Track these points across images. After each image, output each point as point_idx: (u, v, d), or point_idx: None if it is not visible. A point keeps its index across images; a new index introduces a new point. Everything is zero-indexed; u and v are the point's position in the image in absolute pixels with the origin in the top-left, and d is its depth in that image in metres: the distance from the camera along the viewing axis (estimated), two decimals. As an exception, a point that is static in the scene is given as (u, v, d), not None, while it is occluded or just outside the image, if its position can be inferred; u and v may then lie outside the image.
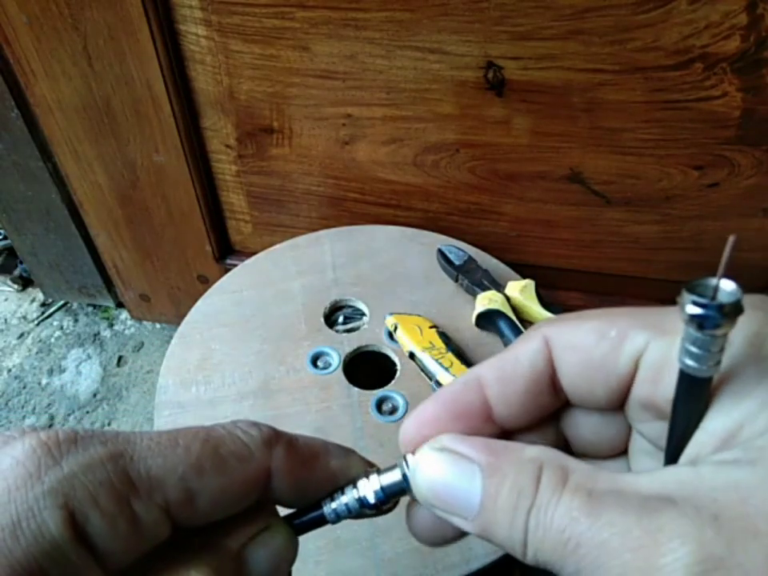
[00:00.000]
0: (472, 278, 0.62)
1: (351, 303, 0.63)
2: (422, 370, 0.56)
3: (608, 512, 0.16)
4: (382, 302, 0.62)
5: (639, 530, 0.15)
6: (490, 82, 0.59)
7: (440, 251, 0.64)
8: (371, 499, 0.22)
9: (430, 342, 0.56)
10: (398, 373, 0.57)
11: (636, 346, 0.19)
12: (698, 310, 0.16)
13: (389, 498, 0.22)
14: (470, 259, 0.64)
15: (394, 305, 0.61)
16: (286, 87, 0.64)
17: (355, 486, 0.22)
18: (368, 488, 0.22)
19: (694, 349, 0.16)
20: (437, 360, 0.54)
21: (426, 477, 0.20)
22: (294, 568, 0.23)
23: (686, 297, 0.16)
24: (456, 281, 0.63)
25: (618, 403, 0.20)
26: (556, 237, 0.72)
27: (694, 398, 0.17)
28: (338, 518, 0.22)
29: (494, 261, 0.66)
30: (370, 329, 0.60)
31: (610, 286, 0.77)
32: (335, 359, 0.57)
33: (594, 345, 0.20)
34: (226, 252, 0.84)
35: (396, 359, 0.58)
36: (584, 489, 0.17)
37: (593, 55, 0.55)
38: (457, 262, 0.63)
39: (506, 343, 0.58)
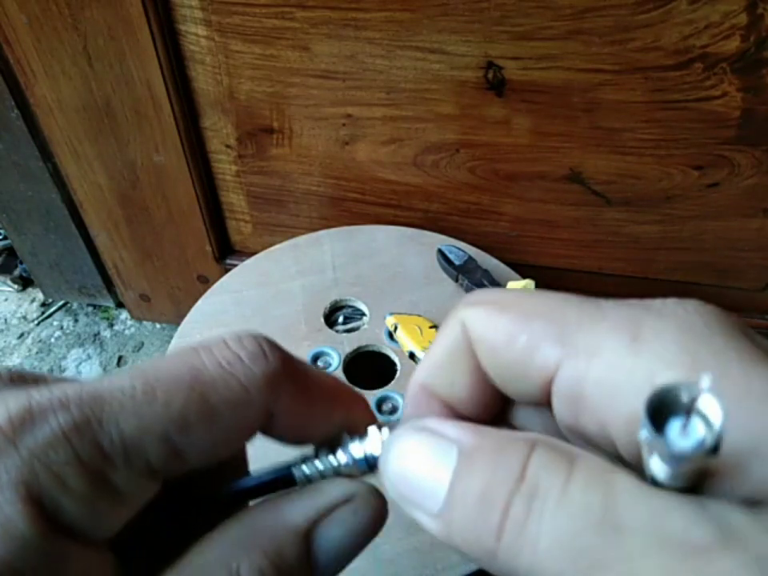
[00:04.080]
0: (472, 278, 0.62)
1: (351, 303, 0.63)
2: (422, 370, 0.56)
3: (637, 536, 0.12)
4: (382, 302, 0.62)
5: (687, 572, 0.11)
6: (490, 82, 0.59)
7: (440, 251, 0.64)
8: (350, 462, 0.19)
9: (430, 342, 0.56)
10: (398, 373, 0.57)
11: (547, 364, 0.16)
12: (654, 450, 0.12)
13: (372, 469, 0.19)
14: (470, 259, 0.64)
15: (394, 305, 0.61)
16: (286, 87, 0.64)
17: (334, 451, 0.19)
18: (348, 454, 0.19)
19: (666, 472, 0.13)
20: (437, 360, 0.54)
21: (397, 460, 0.16)
22: None
23: (647, 423, 0.12)
24: (456, 281, 0.63)
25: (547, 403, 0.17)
26: (556, 237, 0.72)
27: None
28: (309, 482, 0.19)
29: (494, 261, 0.66)
30: (370, 329, 0.60)
31: (610, 286, 0.77)
32: (335, 359, 0.57)
33: (504, 347, 0.17)
34: (226, 252, 0.84)
35: (396, 359, 0.58)
36: (601, 481, 0.13)
37: (593, 55, 0.55)
38: (457, 262, 0.63)
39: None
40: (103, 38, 0.62)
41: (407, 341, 0.56)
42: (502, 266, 0.66)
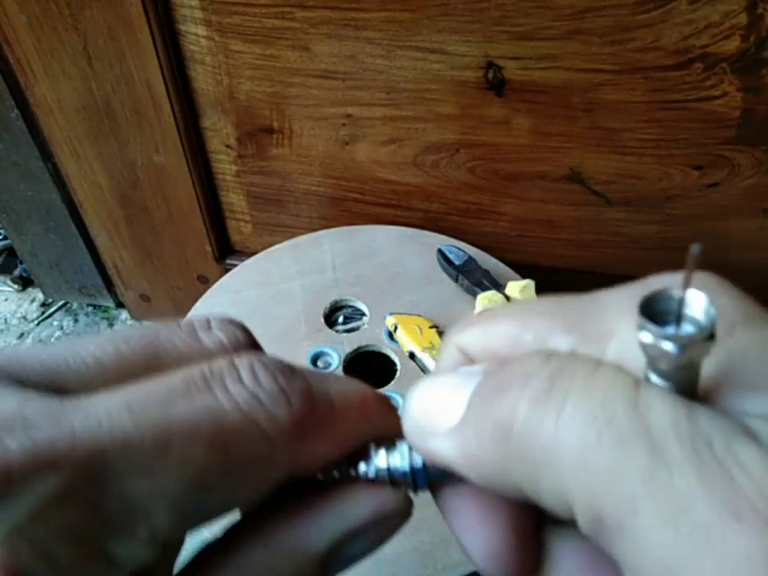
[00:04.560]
0: (472, 278, 0.62)
1: (351, 303, 0.63)
2: (422, 370, 0.56)
3: (670, 434, 0.11)
4: (382, 302, 0.62)
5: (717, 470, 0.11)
6: (490, 82, 0.59)
7: (440, 251, 0.64)
8: (371, 476, 0.17)
9: (430, 342, 0.56)
10: (398, 373, 0.57)
11: None
12: (655, 344, 0.12)
13: (394, 483, 0.17)
14: (470, 259, 0.63)
15: (394, 305, 0.61)
16: (286, 87, 0.64)
17: (355, 463, 0.17)
18: (371, 464, 0.17)
19: (663, 380, 0.13)
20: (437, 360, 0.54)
21: (417, 398, 0.16)
22: None
23: (642, 324, 0.12)
24: (456, 281, 0.63)
25: None
26: (556, 237, 0.72)
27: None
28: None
29: (494, 261, 0.66)
30: (370, 329, 0.60)
31: (611, 286, 0.77)
32: (335, 359, 0.57)
33: (512, 353, 0.16)
34: (226, 252, 0.84)
35: (396, 359, 0.58)
36: (628, 375, 0.12)
37: (593, 55, 0.55)
38: (457, 262, 0.63)
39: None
40: (103, 38, 0.62)
41: (407, 341, 0.56)
42: (502, 265, 0.66)
